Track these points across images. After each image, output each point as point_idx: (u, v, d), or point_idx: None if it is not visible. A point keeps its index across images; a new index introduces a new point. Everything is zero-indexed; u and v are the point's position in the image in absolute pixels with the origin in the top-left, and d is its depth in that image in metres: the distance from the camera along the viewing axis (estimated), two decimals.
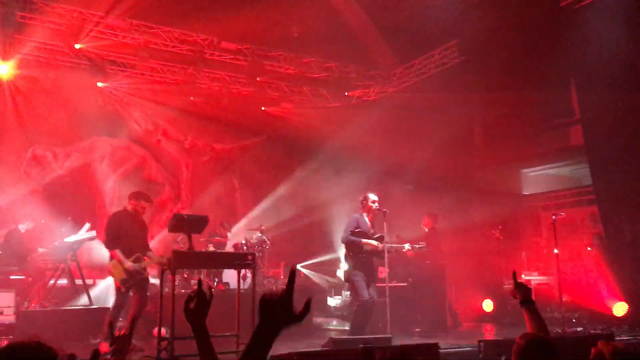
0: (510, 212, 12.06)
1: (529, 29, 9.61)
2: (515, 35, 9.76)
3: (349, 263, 7.74)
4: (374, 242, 7.62)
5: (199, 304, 2.06)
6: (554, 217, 8.48)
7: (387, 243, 7.79)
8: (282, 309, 1.62)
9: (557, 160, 12.30)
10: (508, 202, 12.12)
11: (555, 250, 8.40)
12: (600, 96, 9.40)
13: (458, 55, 11.48)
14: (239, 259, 6.87)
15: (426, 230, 10.01)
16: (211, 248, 10.55)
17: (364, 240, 7.59)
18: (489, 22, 9.66)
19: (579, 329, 8.45)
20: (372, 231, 7.81)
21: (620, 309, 8.96)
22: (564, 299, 8.48)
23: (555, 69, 9.97)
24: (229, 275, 10.19)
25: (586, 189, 11.35)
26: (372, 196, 7.84)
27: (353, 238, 7.60)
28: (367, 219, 7.82)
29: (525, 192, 12.99)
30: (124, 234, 7.14)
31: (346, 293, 10.92)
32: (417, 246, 8.14)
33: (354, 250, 7.64)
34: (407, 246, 8.10)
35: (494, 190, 12.12)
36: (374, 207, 7.79)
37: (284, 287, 1.65)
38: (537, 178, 13.16)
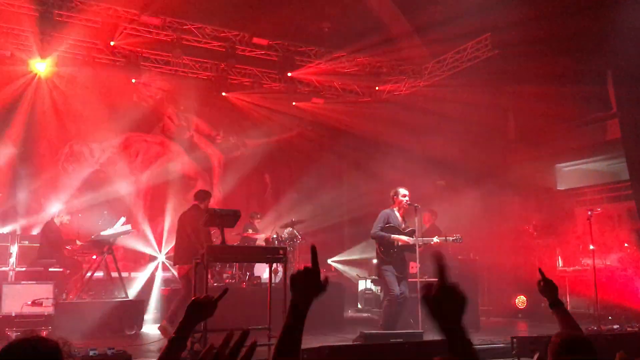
0: (545, 208, 11.86)
1: (564, 20, 9.42)
2: (550, 27, 9.59)
3: (380, 258, 7.70)
4: (404, 238, 7.57)
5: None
6: (589, 212, 8.33)
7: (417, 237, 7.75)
8: (311, 279, 1.79)
9: (592, 155, 12.05)
10: (542, 197, 11.94)
11: (591, 247, 8.25)
12: (638, 90, 9.18)
13: (491, 49, 11.33)
14: (271, 253, 6.92)
15: (426, 227, 9.90)
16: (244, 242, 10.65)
17: (393, 236, 7.55)
18: (523, 14, 9.51)
19: (615, 326, 8.29)
20: (403, 226, 7.76)
21: None
22: (599, 296, 8.33)
23: (592, 62, 9.77)
24: (261, 270, 10.29)
25: (623, 184, 11.10)
26: (403, 190, 7.77)
27: (382, 233, 7.57)
28: (397, 214, 7.76)
29: (560, 188, 12.77)
30: None
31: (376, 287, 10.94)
32: (452, 238, 7.89)
33: (385, 245, 7.61)
34: (435, 239, 7.93)
35: (528, 185, 11.95)
36: (405, 201, 7.72)
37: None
38: (571, 173, 12.91)
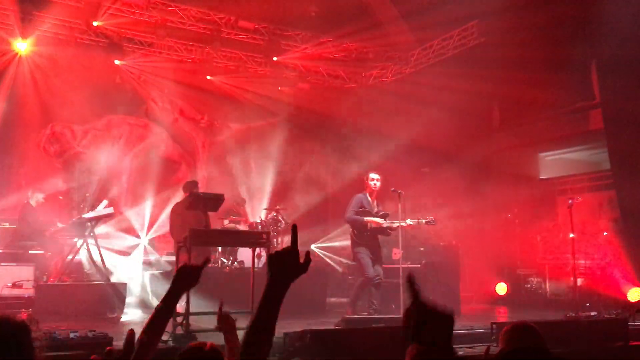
0: (527, 196, 11.97)
1: (550, 9, 9.44)
2: (536, 16, 9.61)
3: (353, 241, 7.89)
4: (378, 220, 7.76)
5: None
6: (570, 201, 8.42)
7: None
8: (289, 260, 1.73)
9: (575, 144, 12.16)
10: (524, 185, 12.04)
11: (571, 235, 8.35)
12: (621, 80, 9.26)
13: (477, 37, 11.33)
14: (254, 238, 6.94)
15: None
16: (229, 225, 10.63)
17: (366, 219, 7.75)
18: (510, 2, 9.52)
19: (593, 313, 8.43)
20: (375, 209, 7.97)
21: (635, 294, 8.92)
22: (578, 284, 8.46)
23: (576, 52, 9.82)
24: (244, 254, 10.28)
25: (604, 174, 11.23)
26: (372, 175, 8.02)
27: (355, 217, 7.79)
28: (369, 198, 7.97)
29: (542, 176, 12.89)
30: None
31: None
32: (424, 220, 7.93)
33: (358, 228, 7.81)
34: (408, 221, 7.96)
35: (511, 173, 12.04)
36: (372, 185, 7.94)
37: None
38: (554, 162, 13.03)
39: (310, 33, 12.18)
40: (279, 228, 11.00)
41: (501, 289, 11.15)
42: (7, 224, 9.61)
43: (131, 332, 1.99)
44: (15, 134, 11.51)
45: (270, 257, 1.75)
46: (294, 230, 1.80)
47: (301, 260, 1.75)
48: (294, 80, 13.59)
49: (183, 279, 2.23)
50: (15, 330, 1.81)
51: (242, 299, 6.47)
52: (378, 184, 7.97)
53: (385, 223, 7.81)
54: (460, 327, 6.65)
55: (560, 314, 8.03)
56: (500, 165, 12.18)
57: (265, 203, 12.90)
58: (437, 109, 11.77)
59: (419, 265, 9.41)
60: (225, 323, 2.85)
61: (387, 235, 7.99)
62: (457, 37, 11.81)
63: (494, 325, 5.96)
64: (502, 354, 2.42)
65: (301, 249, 1.77)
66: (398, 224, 7.84)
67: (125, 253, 11.65)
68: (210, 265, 9.85)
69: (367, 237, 7.77)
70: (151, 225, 12.37)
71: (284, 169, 13.66)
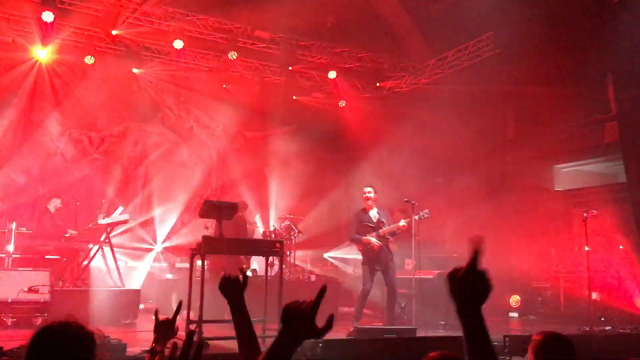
0: (542, 208, 11.90)
1: (566, 22, 9.44)
2: (551, 29, 9.61)
3: (361, 254, 8.26)
4: (372, 240, 8.00)
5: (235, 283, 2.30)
6: (585, 214, 8.37)
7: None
8: (305, 322, 1.58)
9: (591, 156, 12.08)
10: (539, 197, 11.97)
11: (586, 248, 8.29)
12: (637, 92, 9.21)
13: (492, 48, 11.34)
14: (267, 246, 6.97)
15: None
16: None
17: (364, 239, 8.06)
18: (525, 15, 9.52)
19: (608, 328, 8.35)
20: (376, 219, 8.22)
21: None
22: (593, 297, 8.39)
23: (592, 64, 9.78)
24: (257, 262, 10.33)
25: (620, 187, 11.13)
26: (365, 188, 8.38)
27: (356, 237, 8.19)
28: (367, 212, 8.28)
29: (558, 188, 12.80)
30: None
31: None
32: (416, 217, 8.04)
33: (362, 243, 8.15)
34: (402, 222, 8.08)
35: (526, 185, 11.98)
36: (367, 199, 8.27)
37: (312, 301, 1.63)
38: (569, 174, 12.94)
39: (326, 43, 12.25)
40: (292, 237, 11.04)
41: (514, 301, 11.07)
42: (24, 229, 9.72)
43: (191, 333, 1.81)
44: (33, 140, 11.67)
45: (286, 309, 1.60)
46: (321, 292, 1.62)
47: (319, 325, 1.59)
48: (309, 89, 13.65)
49: (227, 290, 2.29)
50: (87, 335, 1.80)
51: (255, 307, 6.49)
52: (371, 195, 8.28)
53: (377, 243, 7.99)
54: None
55: (574, 328, 7.96)
56: (515, 177, 12.13)
57: (278, 212, 12.94)
58: (452, 120, 11.77)
59: (432, 276, 9.39)
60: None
61: (392, 237, 8.18)
62: (472, 49, 11.81)
63: (507, 338, 5.93)
64: None
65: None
66: (390, 229, 8.08)
67: (139, 259, 11.74)
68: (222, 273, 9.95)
69: (370, 252, 8.03)
70: (165, 232, 12.46)
71: (297, 178, 13.69)
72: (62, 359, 1.73)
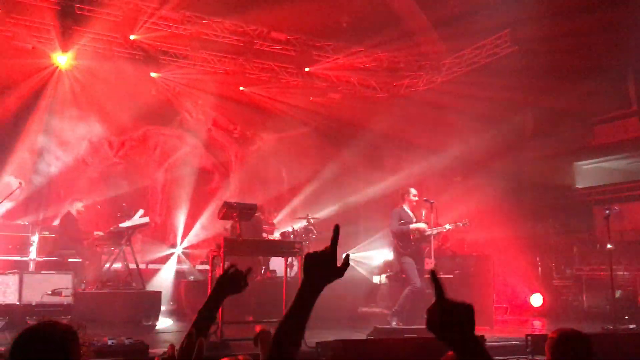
0: (563, 206, 11.78)
1: (584, 16, 9.32)
2: (569, 23, 9.49)
3: (398, 252, 8.11)
4: (422, 225, 8.00)
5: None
6: (607, 211, 8.26)
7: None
8: (326, 263, 1.65)
9: (612, 153, 11.92)
10: (560, 195, 11.84)
11: (609, 245, 8.18)
12: None
13: (510, 45, 11.23)
14: (287, 247, 6.99)
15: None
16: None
17: (412, 226, 7.99)
18: (542, 10, 9.42)
19: (632, 326, 8.23)
20: (414, 220, 8.20)
21: None
22: (616, 296, 8.27)
23: (612, 59, 9.66)
24: (276, 263, 10.36)
25: None
26: (413, 190, 8.34)
27: (402, 227, 8.01)
28: (408, 211, 8.24)
29: (579, 186, 12.65)
30: None
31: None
32: (461, 223, 8.14)
33: (404, 239, 8.01)
34: (447, 226, 8.14)
35: (546, 182, 11.86)
36: (414, 200, 8.26)
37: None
38: (591, 171, 12.79)
39: (342, 43, 12.24)
40: (311, 237, 11.06)
41: (536, 300, 10.96)
42: (47, 232, 9.86)
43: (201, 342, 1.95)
44: (54, 145, 11.84)
45: (307, 257, 1.68)
46: (336, 231, 1.68)
47: (339, 264, 1.68)
48: (326, 90, 13.66)
49: (226, 284, 2.27)
50: (63, 334, 1.86)
51: (274, 308, 6.53)
52: (418, 198, 8.31)
53: (428, 231, 8.03)
54: (494, 338, 6.57)
55: (597, 327, 7.86)
56: (535, 175, 12.01)
57: (296, 212, 12.97)
58: (470, 117, 11.69)
59: (452, 276, 9.35)
60: (262, 338, 2.81)
61: (429, 243, 8.13)
62: (489, 46, 11.72)
63: (529, 337, 5.87)
64: None
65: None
66: (437, 231, 8.09)
67: (159, 262, 11.85)
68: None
69: (412, 248, 7.99)
70: (185, 235, 12.56)
71: (315, 179, 13.71)
72: (41, 357, 1.79)
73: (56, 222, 10.62)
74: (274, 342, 1.64)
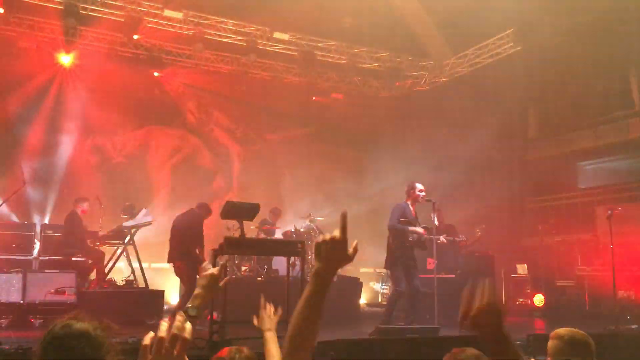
0: (565, 206, 11.77)
1: (587, 18, 9.32)
2: (572, 26, 9.49)
3: (390, 250, 7.78)
4: (420, 230, 7.68)
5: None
6: (609, 211, 8.25)
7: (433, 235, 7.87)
8: (338, 249, 1.71)
9: (615, 153, 11.90)
10: (563, 194, 11.83)
11: (611, 246, 8.18)
12: None
13: (513, 45, 11.24)
14: (289, 247, 6.99)
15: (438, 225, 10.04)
16: (261, 235, 10.74)
17: (410, 228, 7.65)
18: (546, 11, 9.43)
19: (634, 326, 8.22)
20: (415, 216, 7.93)
21: None
22: (618, 296, 8.27)
23: (615, 59, 9.65)
24: (279, 263, 10.36)
25: None
26: (419, 185, 7.90)
27: (400, 225, 7.66)
28: (411, 208, 7.88)
29: (581, 186, 12.63)
30: None
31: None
32: (458, 239, 8.14)
33: (399, 239, 7.69)
34: (442, 238, 8.07)
35: (549, 182, 11.85)
36: (421, 196, 7.85)
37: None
38: (593, 171, 12.76)
39: (344, 43, 12.26)
40: (314, 237, 11.06)
41: (538, 300, 10.95)
42: (50, 231, 9.89)
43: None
44: (58, 145, 11.86)
45: (318, 245, 1.73)
46: (344, 217, 1.74)
47: (350, 250, 1.73)
48: (328, 90, 13.67)
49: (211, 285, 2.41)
50: (95, 331, 1.85)
51: (277, 308, 6.53)
52: (424, 194, 7.90)
53: (426, 235, 7.79)
54: None
55: (599, 327, 7.85)
56: (538, 175, 12.00)
57: (299, 212, 12.96)
58: (473, 117, 11.70)
59: (454, 276, 9.36)
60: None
61: (424, 249, 7.91)
62: (492, 46, 11.73)
63: (531, 337, 5.89)
64: None
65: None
66: (443, 239, 7.99)
67: (162, 260, 11.85)
68: (245, 274, 10.01)
69: (405, 249, 7.67)
70: None
71: (318, 178, 13.71)
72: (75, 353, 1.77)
73: (59, 221, 10.65)
74: (292, 334, 1.67)
